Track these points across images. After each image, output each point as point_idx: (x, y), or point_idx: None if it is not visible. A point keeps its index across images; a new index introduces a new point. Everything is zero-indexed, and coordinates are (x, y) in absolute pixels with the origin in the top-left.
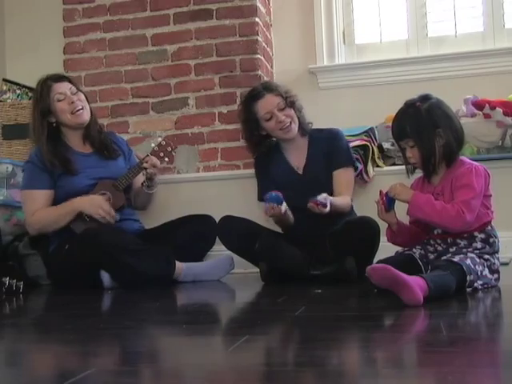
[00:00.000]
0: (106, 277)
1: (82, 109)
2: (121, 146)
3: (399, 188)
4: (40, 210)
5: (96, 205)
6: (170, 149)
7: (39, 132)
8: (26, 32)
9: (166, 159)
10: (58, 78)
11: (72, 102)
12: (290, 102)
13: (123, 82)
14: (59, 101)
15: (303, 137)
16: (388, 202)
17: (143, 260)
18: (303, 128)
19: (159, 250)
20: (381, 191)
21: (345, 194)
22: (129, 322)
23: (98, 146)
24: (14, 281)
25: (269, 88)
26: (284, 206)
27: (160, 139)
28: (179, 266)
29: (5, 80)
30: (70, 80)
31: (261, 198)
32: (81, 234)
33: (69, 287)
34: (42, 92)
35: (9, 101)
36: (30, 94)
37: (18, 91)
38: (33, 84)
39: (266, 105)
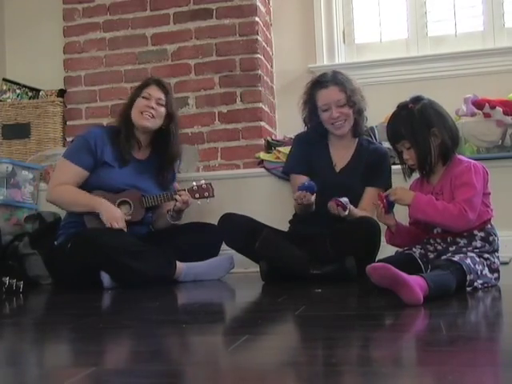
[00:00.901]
0: (106, 278)
1: (152, 116)
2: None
3: (400, 192)
4: (66, 186)
5: (112, 217)
6: (207, 194)
7: (123, 112)
8: (26, 32)
9: (199, 202)
10: (159, 84)
11: (149, 107)
12: (351, 102)
13: (123, 82)
14: (142, 98)
15: (353, 138)
16: (388, 205)
17: (144, 261)
18: (356, 130)
19: (160, 250)
20: (380, 194)
21: (367, 212)
22: (129, 322)
23: (163, 163)
24: (14, 280)
25: (336, 81)
26: (313, 196)
27: (203, 181)
28: (180, 266)
29: (5, 80)
30: (167, 93)
31: (286, 172)
32: (81, 235)
33: (69, 286)
34: (142, 84)
35: (9, 100)
36: (29, 94)
37: (18, 91)
38: (32, 84)
39: (327, 97)
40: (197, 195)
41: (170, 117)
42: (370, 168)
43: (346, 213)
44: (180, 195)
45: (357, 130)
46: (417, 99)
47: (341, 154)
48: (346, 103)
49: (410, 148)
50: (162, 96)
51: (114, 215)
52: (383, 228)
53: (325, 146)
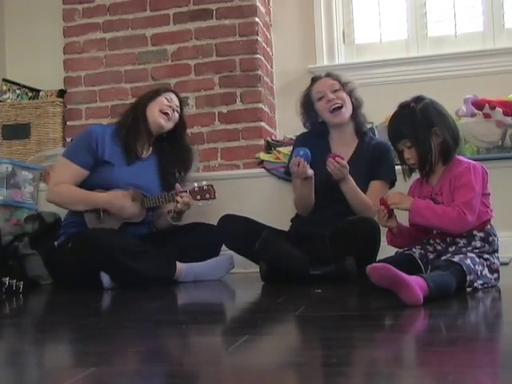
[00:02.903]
0: (105, 278)
1: (169, 117)
2: None
3: (398, 197)
4: (64, 185)
5: (118, 207)
6: (208, 196)
7: (134, 110)
8: (26, 32)
9: (200, 204)
10: (175, 93)
11: (169, 106)
12: (347, 89)
13: (123, 82)
14: (164, 98)
15: (356, 134)
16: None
17: (144, 262)
18: (358, 124)
19: (159, 251)
20: (382, 198)
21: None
22: (129, 322)
23: (168, 166)
24: (14, 281)
25: (329, 74)
26: (310, 170)
27: (205, 183)
28: (180, 266)
29: (5, 80)
30: (181, 102)
31: (288, 172)
32: (82, 235)
33: (69, 286)
34: (157, 90)
35: (9, 101)
36: (29, 94)
37: (18, 91)
38: (32, 84)
39: (320, 85)
40: (198, 197)
41: (180, 124)
42: (373, 163)
43: (344, 163)
44: (181, 197)
45: (358, 124)
46: (418, 98)
47: (342, 152)
48: (340, 88)
49: (411, 147)
50: (178, 103)
51: (120, 206)
52: (383, 228)
53: (326, 145)
